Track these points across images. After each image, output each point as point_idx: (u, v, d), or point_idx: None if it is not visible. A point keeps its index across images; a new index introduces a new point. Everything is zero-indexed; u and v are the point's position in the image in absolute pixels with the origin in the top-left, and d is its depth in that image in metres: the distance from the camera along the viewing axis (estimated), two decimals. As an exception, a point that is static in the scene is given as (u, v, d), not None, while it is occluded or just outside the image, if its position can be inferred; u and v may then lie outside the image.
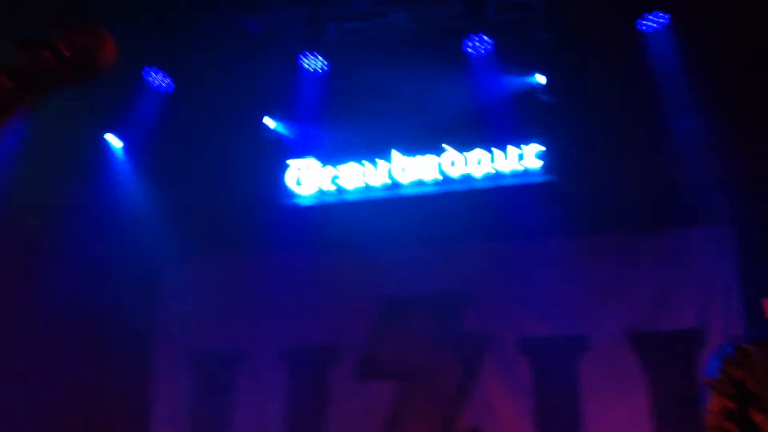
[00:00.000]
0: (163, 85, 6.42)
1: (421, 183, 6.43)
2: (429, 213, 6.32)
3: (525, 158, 6.23)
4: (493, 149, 6.26)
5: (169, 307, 6.65)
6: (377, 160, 6.46)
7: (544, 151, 6.21)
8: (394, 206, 6.40)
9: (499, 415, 5.95)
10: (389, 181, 6.44)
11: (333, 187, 6.52)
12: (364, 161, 6.48)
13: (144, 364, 6.47)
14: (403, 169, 6.42)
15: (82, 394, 6.17)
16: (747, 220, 5.76)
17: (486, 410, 5.99)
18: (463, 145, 6.32)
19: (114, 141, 6.67)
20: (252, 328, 6.44)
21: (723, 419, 2.67)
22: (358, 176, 6.49)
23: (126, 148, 6.67)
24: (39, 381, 6.17)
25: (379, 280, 6.32)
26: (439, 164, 6.37)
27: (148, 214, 6.60)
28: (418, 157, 6.39)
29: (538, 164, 6.20)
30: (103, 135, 6.63)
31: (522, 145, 6.23)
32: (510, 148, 6.24)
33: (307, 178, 6.57)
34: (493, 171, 6.26)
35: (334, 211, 6.51)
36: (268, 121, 6.53)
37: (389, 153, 6.45)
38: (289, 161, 6.60)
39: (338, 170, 6.54)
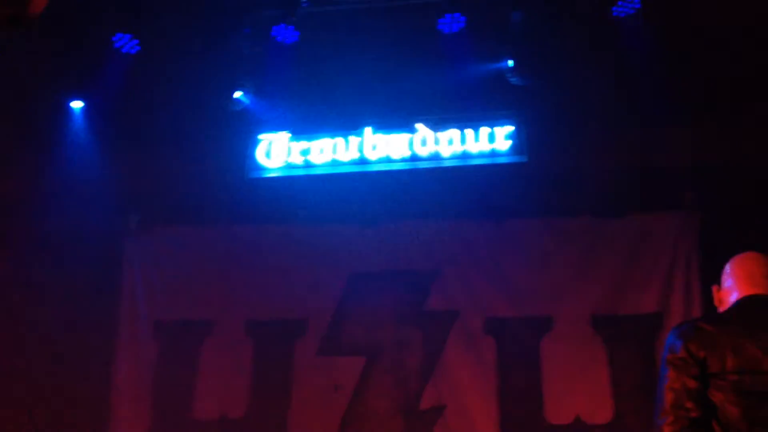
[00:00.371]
0: (130, 49, 6.25)
1: (389, 159, 6.41)
2: (397, 189, 6.32)
3: (495, 138, 6.24)
4: (465, 130, 6.25)
5: (133, 276, 6.54)
6: (349, 137, 6.42)
7: (514, 132, 6.23)
8: (362, 181, 6.37)
9: (463, 393, 6.00)
10: (357, 156, 6.41)
11: (300, 160, 6.46)
12: (337, 137, 6.43)
13: (107, 334, 6.37)
14: (374, 146, 6.39)
15: (42, 363, 6.07)
16: (709, 207, 5.87)
17: (450, 387, 6.04)
18: (436, 124, 6.30)
19: (77, 104, 6.49)
20: (218, 300, 6.37)
21: (684, 398, 2.67)
22: (327, 151, 6.45)
23: (89, 111, 6.49)
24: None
25: (345, 254, 6.31)
26: (410, 141, 6.36)
27: (112, 179, 6.46)
28: (392, 135, 6.36)
29: (507, 145, 6.22)
30: (65, 97, 6.45)
31: (493, 126, 6.23)
32: (482, 128, 6.24)
33: (276, 150, 6.50)
34: (461, 150, 6.27)
35: (301, 185, 6.46)
36: (238, 93, 6.42)
37: (362, 130, 6.41)
38: (260, 136, 6.52)
39: (309, 144, 6.49)
